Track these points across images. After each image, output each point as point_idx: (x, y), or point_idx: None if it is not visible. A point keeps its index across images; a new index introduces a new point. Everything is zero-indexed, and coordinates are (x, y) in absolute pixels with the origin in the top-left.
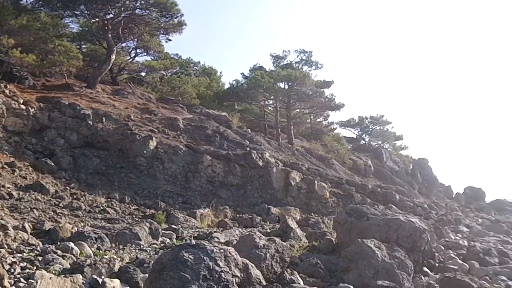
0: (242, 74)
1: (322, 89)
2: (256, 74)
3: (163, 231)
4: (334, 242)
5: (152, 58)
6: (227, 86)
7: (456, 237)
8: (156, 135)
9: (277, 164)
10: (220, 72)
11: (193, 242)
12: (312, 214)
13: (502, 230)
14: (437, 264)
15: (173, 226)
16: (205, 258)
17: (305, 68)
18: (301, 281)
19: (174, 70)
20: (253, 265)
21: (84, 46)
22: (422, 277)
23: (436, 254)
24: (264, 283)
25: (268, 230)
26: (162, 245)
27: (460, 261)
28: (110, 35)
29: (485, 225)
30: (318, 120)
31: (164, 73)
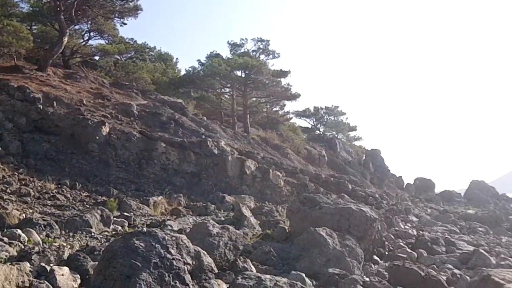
0: (199, 61)
1: (279, 79)
2: (213, 61)
3: (115, 219)
4: (287, 231)
5: (106, 42)
6: (183, 72)
7: (406, 227)
8: (109, 121)
9: (233, 153)
10: (176, 59)
11: (145, 229)
12: (266, 202)
13: (449, 220)
14: (386, 253)
15: (125, 213)
16: (156, 245)
17: (262, 56)
18: (253, 269)
19: (129, 55)
20: (205, 252)
21: (35, 27)
22: (372, 265)
23: (386, 242)
24: (216, 270)
25: (222, 218)
26: (113, 232)
27: (408, 250)
28: (62, 17)
29: (433, 215)
30: (274, 109)
31: (119, 57)
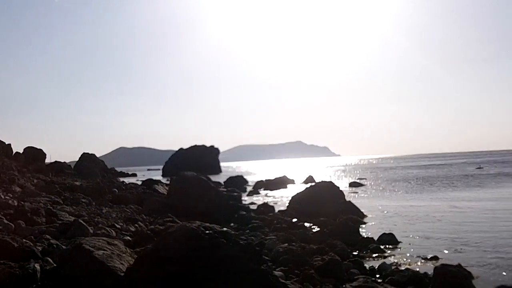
0: None
1: None
2: None
3: None
4: None
5: None
6: None
7: (7, 197)
8: None
9: None
10: None
11: None
12: None
13: (54, 191)
14: None
15: None
16: None
17: None
18: None
19: None
20: None
21: None
22: None
23: None
24: None
25: None
26: None
27: (6, 221)
28: None
29: (39, 185)
30: None
31: None
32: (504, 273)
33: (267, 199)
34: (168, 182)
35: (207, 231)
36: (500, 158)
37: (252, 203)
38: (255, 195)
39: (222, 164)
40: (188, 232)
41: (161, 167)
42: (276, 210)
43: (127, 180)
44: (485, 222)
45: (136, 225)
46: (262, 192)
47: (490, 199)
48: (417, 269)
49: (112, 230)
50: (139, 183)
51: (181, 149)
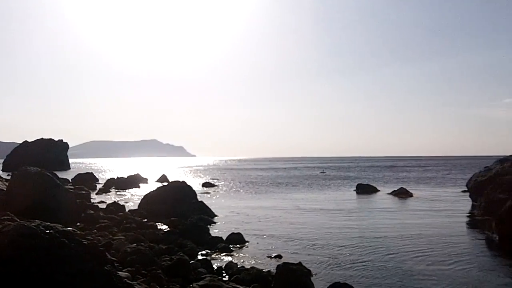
0: None
1: None
2: None
3: None
4: None
5: None
6: None
7: None
8: None
9: None
10: None
11: None
12: None
13: None
14: None
15: None
16: None
17: None
18: None
19: None
20: None
21: None
22: None
23: None
24: None
25: None
26: None
27: None
28: None
29: None
30: None
31: None
32: (338, 270)
33: (117, 198)
34: (8, 178)
35: (48, 231)
36: (340, 164)
37: (102, 202)
38: (105, 194)
39: (71, 160)
40: (25, 231)
41: (1, 160)
42: (127, 209)
43: None
44: (323, 222)
45: None
46: (113, 190)
47: (328, 200)
48: (262, 268)
49: None
50: None
51: (25, 141)
